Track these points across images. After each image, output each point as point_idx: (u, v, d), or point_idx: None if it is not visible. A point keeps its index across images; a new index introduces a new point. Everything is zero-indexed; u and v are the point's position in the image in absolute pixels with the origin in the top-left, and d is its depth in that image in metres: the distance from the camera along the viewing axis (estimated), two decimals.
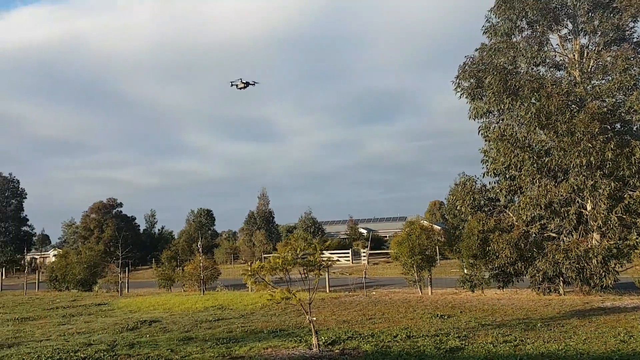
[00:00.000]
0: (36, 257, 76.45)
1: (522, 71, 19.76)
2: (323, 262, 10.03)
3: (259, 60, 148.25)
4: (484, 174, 20.66)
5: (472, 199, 20.54)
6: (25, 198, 73.05)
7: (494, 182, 20.73)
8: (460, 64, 20.88)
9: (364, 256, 46.49)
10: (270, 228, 60.57)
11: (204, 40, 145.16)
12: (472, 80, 20.57)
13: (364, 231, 75.99)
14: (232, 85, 32.33)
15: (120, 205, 67.28)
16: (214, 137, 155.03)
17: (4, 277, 56.02)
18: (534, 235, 19.06)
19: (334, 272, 36.06)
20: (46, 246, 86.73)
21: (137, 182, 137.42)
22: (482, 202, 20.73)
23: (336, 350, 9.93)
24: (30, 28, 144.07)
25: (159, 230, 73.97)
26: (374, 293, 21.68)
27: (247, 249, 52.43)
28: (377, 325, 12.76)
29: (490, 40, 21.18)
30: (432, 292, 20.92)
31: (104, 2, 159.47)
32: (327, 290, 23.59)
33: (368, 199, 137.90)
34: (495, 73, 19.10)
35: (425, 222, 58.86)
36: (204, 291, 24.35)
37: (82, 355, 10.43)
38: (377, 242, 56.65)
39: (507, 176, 19.96)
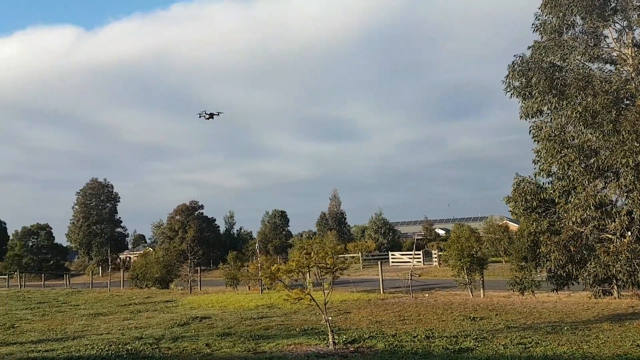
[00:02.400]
0: (130, 256, 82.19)
1: (571, 69, 19.24)
2: (337, 265, 10.67)
3: (340, 59, 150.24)
4: (535, 175, 20.33)
5: (524, 200, 20.25)
6: (119, 201, 78.96)
7: (548, 183, 20.33)
8: (509, 63, 20.67)
9: (435, 257, 46.29)
10: (342, 229, 61.49)
11: (285, 44, 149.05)
12: (522, 80, 20.29)
13: (442, 232, 74.96)
14: (200, 116, 37.51)
15: (202, 207, 70.95)
16: (294, 138, 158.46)
17: (100, 275, 61.01)
18: (586, 237, 18.53)
19: (402, 273, 36.30)
20: (138, 246, 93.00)
21: (220, 184, 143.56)
22: (535, 204, 20.36)
23: (351, 349, 10.56)
24: (122, 41, 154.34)
25: (237, 230, 77.15)
26: (427, 295, 21.89)
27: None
28: (405, 326, 13.21)
29: (542, 37, 20.79)
30: (484, 295, 20.88)
31: (188, 13, 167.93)
32: (382, 291, 24.04)
33: (451, 198, 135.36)
34: (540, 72, 18.78)
35: (499, 221, 57.61)
36: (262, 290, 25.64)
37: (129, 347, 11.73)
38: None
39: (559, 176, 19.53)
